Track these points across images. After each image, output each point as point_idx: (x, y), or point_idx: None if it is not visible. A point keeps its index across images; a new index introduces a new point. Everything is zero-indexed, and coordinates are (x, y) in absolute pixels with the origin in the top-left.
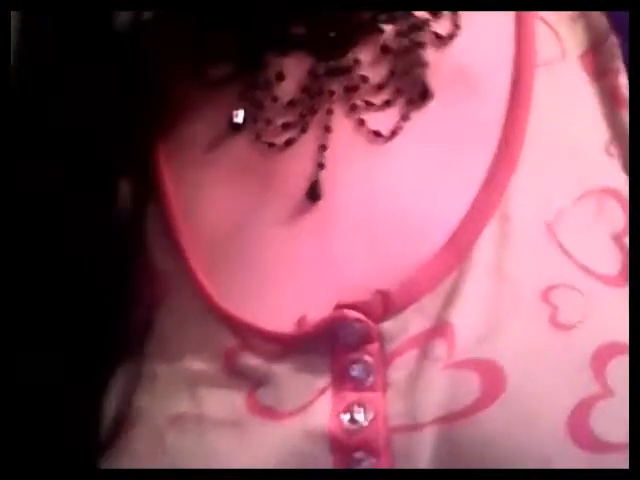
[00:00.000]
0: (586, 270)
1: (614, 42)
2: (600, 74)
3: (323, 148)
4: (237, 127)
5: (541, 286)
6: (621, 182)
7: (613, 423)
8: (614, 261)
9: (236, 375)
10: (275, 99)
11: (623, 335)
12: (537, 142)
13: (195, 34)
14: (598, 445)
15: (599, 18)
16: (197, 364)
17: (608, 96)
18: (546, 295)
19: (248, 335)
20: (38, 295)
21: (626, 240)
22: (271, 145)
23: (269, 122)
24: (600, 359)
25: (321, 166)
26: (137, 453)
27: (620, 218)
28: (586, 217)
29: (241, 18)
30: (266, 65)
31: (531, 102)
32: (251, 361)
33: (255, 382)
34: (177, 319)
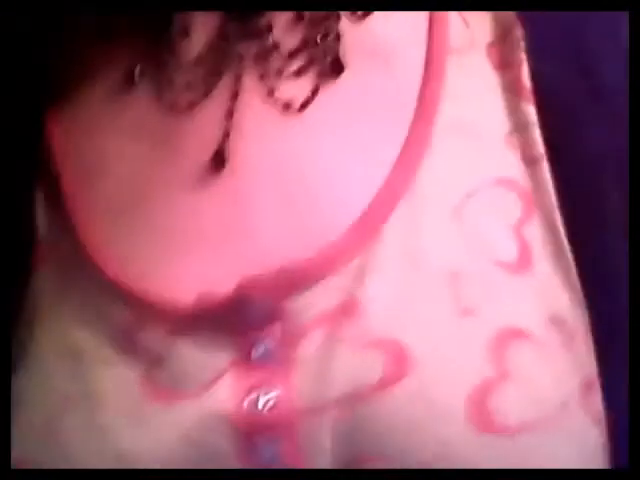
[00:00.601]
0: (488, 256)
1: (519, 33)
2: (504, 65)
3: (230, 114)
4: (133, 83)
5: (448, 270)
6: (519, 173)
7: (512, 406)
8: (512, 249)
9: (129, 353)
10: (178, 57)
11: (522, 321)
12: (447, 126)
13: None
14: (497, 427)
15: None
16: (84, 339)
17: (510, 87)
18: (452, 279)
19: (145, 309)
20: None
21: (523, 229)
22: (172, 106)
23: (170, 81)
24: (499, 343)
25: (227, 133)
26: (26, 443)
27: (517, 208)
28: (489, 204)
29: None
30: (170, 19)
31: (442, 85)
32: (147, 338)
33: (150, 361)
34: (58, 288)
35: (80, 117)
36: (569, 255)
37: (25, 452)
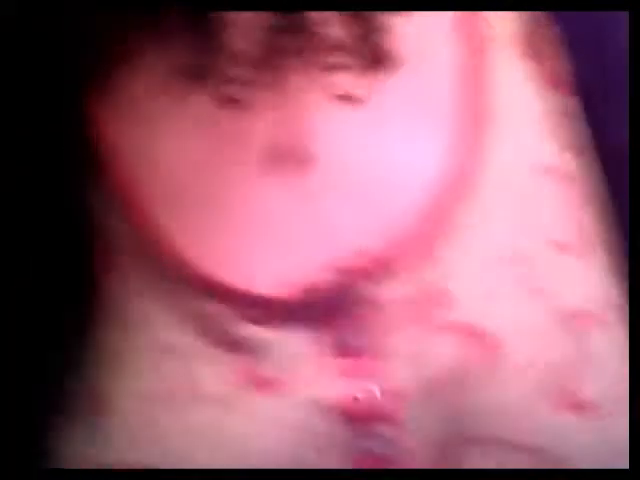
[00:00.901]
0: (551, 239)
1: (548, 26)
2: (534, 57)
3: (292, 108)
4: (188, 76)
5: (519, 252)
6: (566, 160)
7: (595, 386)
8: (573, 233)
9: (227, 346)
10: (226, 50)
11: (589, 302)
12: (496, 112)
13: None
14: (588, 409)
15: None
16: (179, 338)
17: (543, 78)
18: (522, 261)
19: (233, 299)
20: None
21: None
22: (229, 99)
23: (222, 73)
24: (574, 325)
25: (292, 127)
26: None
27: (570, 194)
28: (545, 188)
29: None
30: (218, 12)
31: (487, 77)
32: (239, 328)
33: (247, 351)
34: (134, 285)
35: (127, 102)
36: (619, 244)
37: (123, 455)
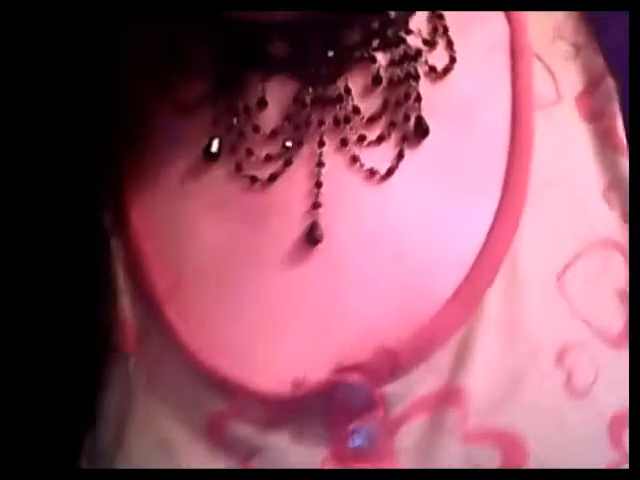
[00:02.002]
0: (595, 330)
1: (611, 84)
2: (596, 117)
3: (318, 185)
4: (213, 157)
5: (555, 347)
6: (621, 233)
7: None
8: (618, 319)
9: (224, 445)
10: (256, 128)
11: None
12: (540, 189)
13: (167, 47)
14: None
15: (595, 58)
16: (176, 431)
17: (604, 140)
18: (561, 357)
19: (239, 397)
20: None
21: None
22: (253, 179)
23: (250, 152)
24: (616, 426)
25: (317, 205)
26: None
27: (623, 272)
28: (593, 271)
29: (218, 32)
30: (245, 88)
31: (532, 141)
32: (242, 429)
33: (246, 454)
34: (149, 375)
35: (154, 180)
36: None
37: None
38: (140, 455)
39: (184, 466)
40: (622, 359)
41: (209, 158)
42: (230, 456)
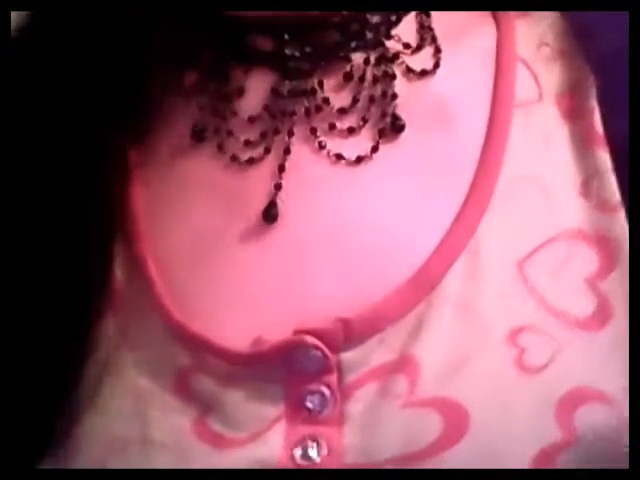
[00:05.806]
0: (556, 313)
1: (591, 85)
2: (576, 115)
3: (281, 169)
4: (199, 137)
5: (509, 327)
6: (595, 223)
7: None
8: (586, 304)
9: (186, 397)
10: (235, 113)
11: (594, 381)
12: (510, 182)
13: (175, 38)
14: None
15: (577, 62)
16: (147, 381)
17: (583, 137)
18: (513, 336)
19: (200, 351)
20: None
21: (600, 283)
22: (233, 158)
23: (230, 134)
24: (567, 405)
25: (278, 187)
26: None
27: (592, 261)
28: (557, 259)
29: (211, 28)
30: (229, 77)
31: (506, 143)
32: (203, 383)
33: (205, 406)
34: (126, 331)
35: (150, 159)
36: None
37: None
38: (112, 405)
39: (151, 415)
40: (592, 341)
41: (196, 138)
42: (191, 408)
